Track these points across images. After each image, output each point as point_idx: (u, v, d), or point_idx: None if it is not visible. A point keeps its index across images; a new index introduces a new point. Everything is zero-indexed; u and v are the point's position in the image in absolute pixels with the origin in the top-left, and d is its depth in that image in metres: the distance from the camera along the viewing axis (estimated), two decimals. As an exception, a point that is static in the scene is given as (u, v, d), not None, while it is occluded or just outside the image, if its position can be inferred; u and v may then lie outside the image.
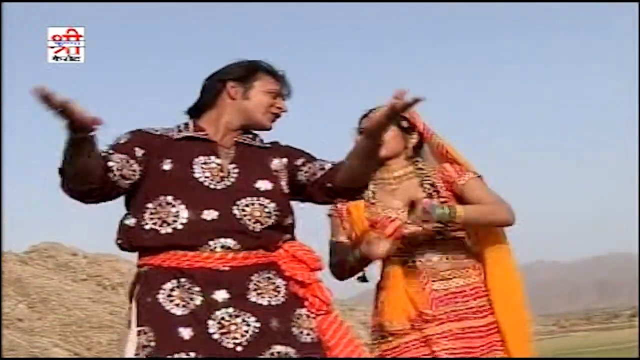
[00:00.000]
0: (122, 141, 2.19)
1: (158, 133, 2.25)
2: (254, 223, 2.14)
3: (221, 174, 2.18)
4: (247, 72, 2.30)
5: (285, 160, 2.28)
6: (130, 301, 2.16)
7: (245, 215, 2.13)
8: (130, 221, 2.15)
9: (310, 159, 2.31)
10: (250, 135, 2.32)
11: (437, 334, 2.55)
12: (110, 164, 2.10)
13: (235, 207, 2.14)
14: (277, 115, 2.32)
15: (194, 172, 2.16)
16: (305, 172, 2.27)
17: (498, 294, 2.63)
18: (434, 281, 2.60)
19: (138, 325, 2.07)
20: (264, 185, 2.20)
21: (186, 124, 2.28)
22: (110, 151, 2.16)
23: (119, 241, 2.18)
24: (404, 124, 2.71)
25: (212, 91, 2.30)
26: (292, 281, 2.18)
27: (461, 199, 2.66)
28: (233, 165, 2.20)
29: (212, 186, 2.16)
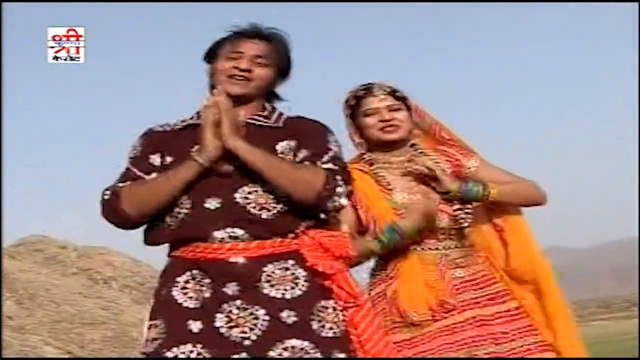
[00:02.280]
0: (138, 154, 2.27)
1: (162, 129, 2.32)
2: (260, 210, 2.14)
3: (223, 159, 2.16)
4: (213, 47, 2.34)
5: (293, 143, 2.25)
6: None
7: (249, 203, 2.13)
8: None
9: (314, 155, 2.24)
10: (265, 112, 2.31)
11: (461, 322, 2.56)
12: None
13: (237, 194, 2.14)
14: (244, 78, 2.27)
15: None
16: None
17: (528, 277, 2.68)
18: (451, 269, 2.63)
19: (150, 319, 2.14)
20: None
21: (198, 112, 2.29)
22: (139, 173, 2.23)
23: (146, 242, 2.26)
24: (408, 102, 2.72)
25: (207, 77, 2.35)
26: (316, 271, 2.16)
27: None
28: None
29: (213, 172, 2.16)
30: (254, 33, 2.30)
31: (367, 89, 2.71)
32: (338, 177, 2.19)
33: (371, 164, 2.72)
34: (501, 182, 2.69)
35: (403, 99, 2.71)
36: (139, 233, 2.27)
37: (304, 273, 2.15)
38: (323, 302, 2.15)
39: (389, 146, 2.71)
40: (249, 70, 2.26)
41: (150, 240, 2.24)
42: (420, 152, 2.74)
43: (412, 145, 2.76)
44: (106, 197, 2.20)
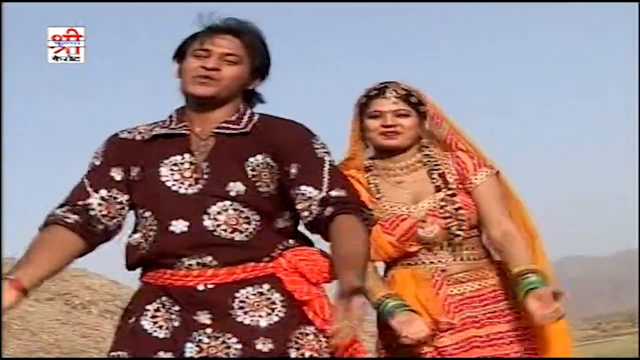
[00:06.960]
0: (98, 163, 2.24)
1: (130, 136, 2.28)
2: (232, 232, 2.12)
3: (195, 175, 2.15)
4: (182, 45, 2.29)
5: (269, 159, 2.20)
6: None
7: (219, 226, 2.11)
8: (128, 239, 2.25)
9: (309, 173, 2.18)
10: (235, 117, 2.25)
11: (453, 344, 2.57)
12: (92, 213, 2.19)
13: (206, 217, 2.11)
14: (211, 78, 2.21)
15: (160, 176, 2.16)
16: (301, 198, 2.16)
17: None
18: (447, 285, 2.64)
19: (112, 350, 2.14)
20: (235, 188, 2.15)
21: (170, 117, 2.27)
22: (89, 189, 2.21)
23: (126, 265, 2.26)
24: (421, 108, 2.76)
25: (175, 77, 2.31)
26: (294, 296, 2.15)
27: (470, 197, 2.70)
28: (206, 164, 2.16)
29: (182, 190, 2.14)
30: (225, 28, 2.25)
31: (380, 90, 2.74)
32: (354, 203, 2.19)
33: (368, 171, 2.79)
34: (489, 213, 2.67)
35: (416, 105, 2.76)
36: (118, 253, 2.27)
37: (281, 298, 2.14)
38: (302, 329, 2.14)
39: (389, 152, 2.76)
40: (216, 69, 2.21)
41: (127, 263, 2.25)
42: (427, 156, 2.76)
43: (423, 147, 2.78)
44: (44, 222, 2.23)
